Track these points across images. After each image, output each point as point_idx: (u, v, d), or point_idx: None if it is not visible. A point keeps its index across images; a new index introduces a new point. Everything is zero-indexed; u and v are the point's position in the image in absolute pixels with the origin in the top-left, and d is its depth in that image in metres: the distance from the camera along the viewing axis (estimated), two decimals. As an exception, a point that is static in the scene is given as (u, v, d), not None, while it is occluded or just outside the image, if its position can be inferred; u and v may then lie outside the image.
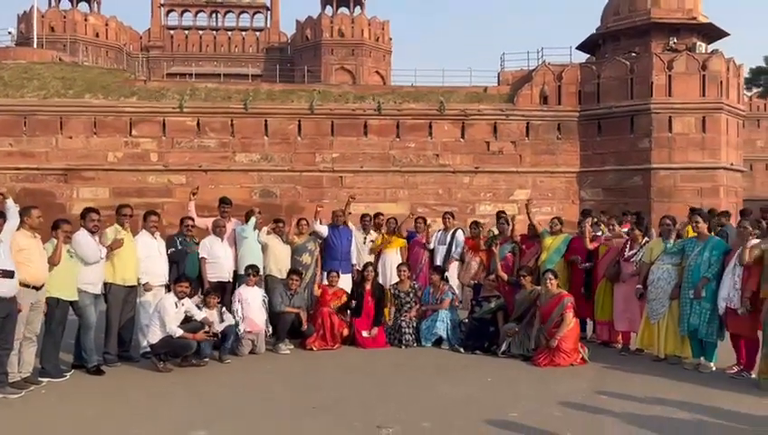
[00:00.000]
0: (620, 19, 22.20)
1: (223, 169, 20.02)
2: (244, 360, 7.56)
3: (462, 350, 8.03)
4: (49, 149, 19.69)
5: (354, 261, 9.40)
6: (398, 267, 8.94)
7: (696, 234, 7.35)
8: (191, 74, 36.36)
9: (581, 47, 24.00)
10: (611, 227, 9.11)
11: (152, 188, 19.80)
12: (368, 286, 8.59)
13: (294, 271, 8.40)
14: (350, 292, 8.71)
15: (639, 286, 7.61)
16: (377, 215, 9.98)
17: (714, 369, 6.98)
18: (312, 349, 8.05)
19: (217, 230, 8.46)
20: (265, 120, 20.33)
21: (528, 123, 20.71)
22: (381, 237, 9.59)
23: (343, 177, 20.35)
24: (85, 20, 43.37)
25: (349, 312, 8.59)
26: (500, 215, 9.59)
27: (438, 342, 8.31)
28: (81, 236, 6.76)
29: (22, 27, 41.02)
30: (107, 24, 44.33)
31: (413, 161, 20.55)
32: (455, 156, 20.58)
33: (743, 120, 22.10)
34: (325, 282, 8.69)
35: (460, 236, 9.60)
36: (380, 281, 9.02)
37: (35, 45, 33.17)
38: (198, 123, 20.18)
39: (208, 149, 20.14)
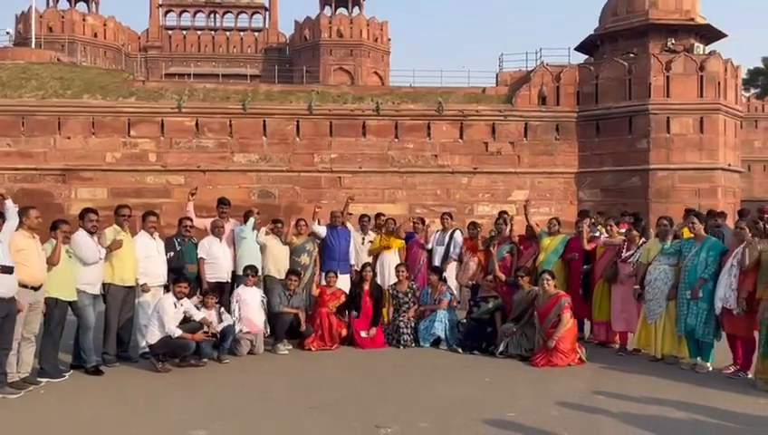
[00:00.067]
0: (618, 20, 22.23)
1: (221, 169, 20.00)
2: (242, 360, 7.57)
3: (460, 350, 8.04)
4: (47, 149, 19.67)
5: (352, 262, 9.41)
6: (396, 268, 8.95)
7: (692, 235, 7.39)
8: (189, 75, 36.28)
9: (580, 48, 24.01)
10: (609, 228, 9.12)
11: (150, 188, 19.78)
12: (366, 287, 8.60)
13: (293, 271, 8.41)
14: (348, 292, 8.73)
15: (637, 287, 7.63)
16: (378, 215, 10.01)
17: (710, 369, 7.00)
18: (310, 349, 8.06)
19: (216, 231, 8.46)
20: (264, 121, 20.32)
21: (526, 124, 20.71)
22: (380, 239, 9.61)
23: (342, 177, 20.34)
24: (83, 20, 43.36)
25: (347, 312, 8.60)
26: (500, 215, 9.59)
27: (437, 342, 8.33)
28: (80, 236, 6.77)
29: (20, 27, 41.08)
30: (105, 25, 44.32)
31: (411, 162, 20.55)
32: (453, 156, 20.57)
33: (740, 120, 22.12)
34: (323, 282, 8.71)
35: (458, 236, 9.60)
36: (379, 281, 9.03)
37: (33, 45, 33.17)
38: (197, 124, 20.16)
39: (207, 150, 20.12)
